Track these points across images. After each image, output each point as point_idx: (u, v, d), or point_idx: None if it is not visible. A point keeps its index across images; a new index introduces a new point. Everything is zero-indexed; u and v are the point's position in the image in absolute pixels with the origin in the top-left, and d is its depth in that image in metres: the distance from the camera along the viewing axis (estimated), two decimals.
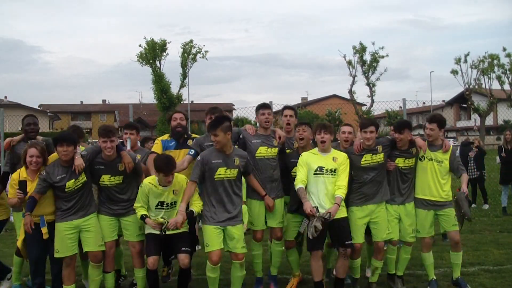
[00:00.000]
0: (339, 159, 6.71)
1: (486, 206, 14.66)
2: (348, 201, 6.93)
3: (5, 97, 73.92)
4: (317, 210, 6.29)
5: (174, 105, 49.21)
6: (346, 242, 6.57)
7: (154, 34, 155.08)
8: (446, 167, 7.10)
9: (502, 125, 63.19)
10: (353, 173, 6.99)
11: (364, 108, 57.80)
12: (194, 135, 7.71)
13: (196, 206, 6.48)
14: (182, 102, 52.07)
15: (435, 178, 7.09)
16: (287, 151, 7.31)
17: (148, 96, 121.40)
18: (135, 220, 6.71)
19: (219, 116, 6.82)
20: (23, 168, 6.64)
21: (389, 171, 7.13)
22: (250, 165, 6.81)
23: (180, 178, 6.55)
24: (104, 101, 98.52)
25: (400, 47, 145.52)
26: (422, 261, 7.31)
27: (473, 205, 14.63)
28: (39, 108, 78.14)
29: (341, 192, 6.54)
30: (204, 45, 67.46)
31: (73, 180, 6.44)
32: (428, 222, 7.15)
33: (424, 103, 67.39)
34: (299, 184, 6.51)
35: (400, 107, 13.96)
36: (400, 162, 7.11)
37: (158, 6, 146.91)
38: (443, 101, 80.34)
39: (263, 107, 7.26)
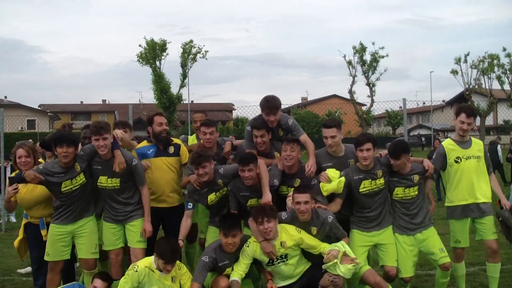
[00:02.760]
0: (288, 242, 5.85)
1: None
2: (350, 222, 6.46)
3: (5, 97, 73.91)
4: None
5: (174, 105, 49.23)
6: None
7: (154, 34, 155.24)
8: (484, 164, 6.58)
9: (502, 125, 63.35)
10: (353, 198, 6.37)
11: (364, 108, 57.85)
12: (175, 140, 7.08)
13: None
14: (182, 102, 52.09)
15: (479, 177, 6.53)
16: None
17: (148, 96, 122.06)
18: (137, 225, 6.40)
19: (201, 154, 6.33)
20: (17, 171, 6.56)
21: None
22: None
23: (184, 270, 5.96)
24: (104, 101, 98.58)
25: (400, 47, 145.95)
26: (453, 272, 6.70)
27: None
28: (39, 108, 78.13)
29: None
30: (204, 45, 67.49)
31: (70, 180, 6.16)
32: (467, 232, 6.62)
33: (424, 103, 67.49)
34: (233, 276, 5.84)
35: (400, 107, 13.98)
36: (400, 192, 6.33)
37: (158, 6, 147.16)
38: (443, 101, 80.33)
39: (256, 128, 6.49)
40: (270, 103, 6.40)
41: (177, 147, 6.96)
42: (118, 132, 6.51)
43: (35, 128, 63.75)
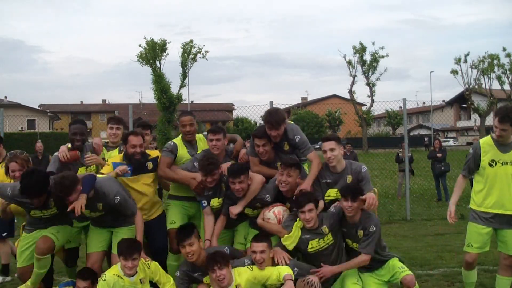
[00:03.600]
0: (243, 283, 5.51)
1: None
2: None
3: (5, 97, 73.95)
4: None
5: (174, 105, 49.18)
6: None
7: (154, 34, 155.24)
8: None
9: None
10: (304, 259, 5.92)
11: (364, 108, 57.93)
12: (152, 154, 6.56)
13: None
14: (182, 102, 52.10)
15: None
16: None
17: (148, 96, 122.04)
18: (124, 232, 6.03)
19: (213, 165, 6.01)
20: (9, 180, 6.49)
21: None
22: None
23: (153, 267, 5.77)
24: (104, 101, 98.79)
25: (400, 47, 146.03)
26: (464, 279, 6.40)
27: None
28: (39, 108, 78.20)
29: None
30: (204, 45, 67.43)
31: (40, 211, 5.79)
32: (485, 239, 6.05)
33: (424, 103, 67.52)
34: None
35: (400, 107, 14.02)
36: (350, 243, 5.83)
37: (158, 6, 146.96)
38: (443, 101, 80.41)
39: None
40: (272, 117, 6.09)
41: (155, 160, 6.49)
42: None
43: (35, 128, 63.84)
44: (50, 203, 5.74)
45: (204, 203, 6.20)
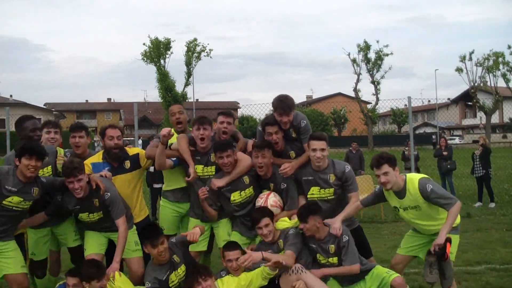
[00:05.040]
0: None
1: (492, 205, 14.56)
2: None
3: (11, 95, 74.25)
4: None
5: (179, 103, 49.22)
6: None
7: (157, 33, 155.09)
8: None
9: (508, 123, 63.19)
10: None
11: (369, 106, 57.83)
12: (131, 151, 6.38)
13: None
14: (187, 101, 52.15)
15: None
16: None
17: (153, 95, 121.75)
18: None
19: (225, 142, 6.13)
20: None
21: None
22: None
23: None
24: (109, 99, 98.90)
25: (405, 45, 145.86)
26: None
27: (479, 203, 14.70)
28: (44, 107, 78.35)
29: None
30: (208, 44, 67.41)
31: (19, 199, 5.35)
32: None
33: (429, 101, 67.38)
34: None
35: (405, 105, 13.95)
36: (322, 259, 5.64)
37: (161, 5, 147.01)
38: (448, 99, 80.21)
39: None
40: (283, 103, 6.07)
41: (134, 159, 6.27)
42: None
43: None
44: (33, 191, 5.43)
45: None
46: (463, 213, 12.00)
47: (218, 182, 5.99)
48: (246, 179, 6.11)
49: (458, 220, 5.64)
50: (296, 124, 6.25)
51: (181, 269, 5.62)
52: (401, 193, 5.52)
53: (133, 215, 6.15)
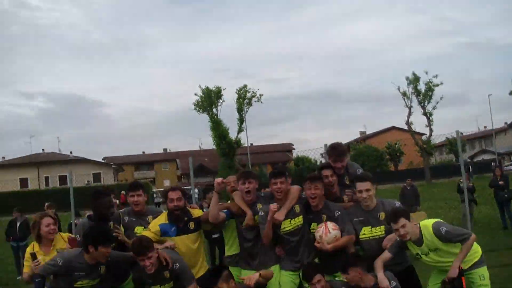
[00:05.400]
0: None
1: None
2: None
3: (71, 152, 76.52)
4: None
5: (233, 150, 49.84)
6: None
7: (209, 80, 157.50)
8: None
9: None
10: None
11: (423, 137, 57.21)
12: (195, 213, 6.65)
13: None
14: (241, 146, 52.71)
15: None
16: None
17: (208, 142, 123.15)
18: None
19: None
20: (35, 243, 6.36)
21: None
22: None
23: None
24: (165, 149, 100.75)
25: (456, 71, 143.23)
26: None
27: None
28: (103, 161, 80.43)
29: None
30: (258, 89, 68.14)
31: (88, 280, 5.73)
32: None
33: (485, 127, 66.22)
34: None
35: (462, 132, 14.00)
36: None
37: (210, 53, 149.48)
38: (506, 123, 78.69)
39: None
40: (336, 150, 6.65)
41: (197, 221, 6.57)
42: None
43: (101, 181, 65.60)
44: (100, 270, 5.80)
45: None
46: None
47: (280, 216, 6.21)
48: (297, 208, 6.32)
49: (479, 251, 5.92)
50: (352, 171, 6.68)
51: None
52: (419, 241, 5.78)
53: (195, 271, 6.45)
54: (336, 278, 6.05)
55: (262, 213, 6.30)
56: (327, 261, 6.15)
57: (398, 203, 6.33)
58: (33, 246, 6.25)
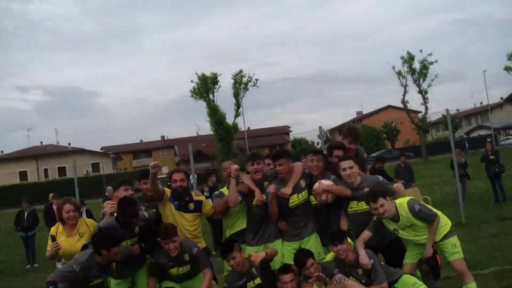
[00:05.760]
0: None
1: None
2: None
3: (69, 144, 76.74)
4: None
5: (231, 135, 50.04)
6: None
7: (204, 65, 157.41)
8: None
9: None
10: None
11: (419, 115, 57.42)
12: (197, 198, 7.15)
13: None
14: (238, 131, 52.90)
15: None
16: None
17: (206, 127, 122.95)
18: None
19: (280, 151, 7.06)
20: (59, 224, 6.83)
21: None
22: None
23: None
24: (163, 137, 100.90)
25: (451, 48, 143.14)
26: None
27: None
28: (101, 151, 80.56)
29: None
30: (254, 74, 68.25)
31: (101, 281, 6.18)
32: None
33: (481, 102, 66.36)
34: None
35: (458, 109, 14.25)
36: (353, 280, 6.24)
37: (205, 38, 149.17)
38: (501, 98, 78.90)
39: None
40: (354, 133, 7.24)
41: (198, 204, 7.08)
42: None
43: (100, 170, 65.73)
44: (112, 266, 6.19)
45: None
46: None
47: (287, 191, 6.67)
48: (302, 182, 6.78)
49: (449, 223, 6.39)
50: (361, 155, 7.26)
51: (258, 280, 6.38)
52: (395, 218, 6.20)
53: None
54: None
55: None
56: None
57: (381, 178, 6.82)
58: (57, 227, 6.80)
